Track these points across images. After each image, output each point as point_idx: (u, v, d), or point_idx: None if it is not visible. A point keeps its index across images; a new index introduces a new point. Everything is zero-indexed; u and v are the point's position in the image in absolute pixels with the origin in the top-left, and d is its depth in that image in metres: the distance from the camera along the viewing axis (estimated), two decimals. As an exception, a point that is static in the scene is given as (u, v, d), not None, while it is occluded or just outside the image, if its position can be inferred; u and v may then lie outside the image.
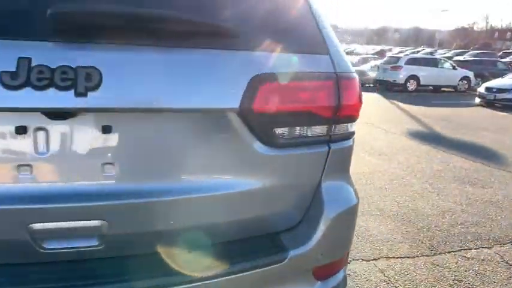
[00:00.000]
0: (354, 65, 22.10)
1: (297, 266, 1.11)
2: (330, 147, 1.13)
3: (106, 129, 0.91)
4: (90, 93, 0.84)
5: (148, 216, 0.98)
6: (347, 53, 1.95)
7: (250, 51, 1.02)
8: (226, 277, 0.99)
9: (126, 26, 0.87)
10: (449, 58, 20.42)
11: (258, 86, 0.99)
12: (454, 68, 15.53)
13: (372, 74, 16.00)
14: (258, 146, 1.03)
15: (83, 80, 0.83)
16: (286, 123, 1.05)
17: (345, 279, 1.28)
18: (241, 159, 1.03)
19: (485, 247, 2.62)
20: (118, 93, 0.88)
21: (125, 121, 0.93)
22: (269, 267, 1.05)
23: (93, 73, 0.84)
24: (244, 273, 1.02)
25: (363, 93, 1.20)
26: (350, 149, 1.21)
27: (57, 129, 0.89)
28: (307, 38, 1.13)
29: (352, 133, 1.21)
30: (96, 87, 0.84)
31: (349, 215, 1.21)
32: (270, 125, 1.03)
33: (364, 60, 19.19)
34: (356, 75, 1.18)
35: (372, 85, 15.84)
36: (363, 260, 2.37)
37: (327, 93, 1.08)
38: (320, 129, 1.11)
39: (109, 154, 0.94)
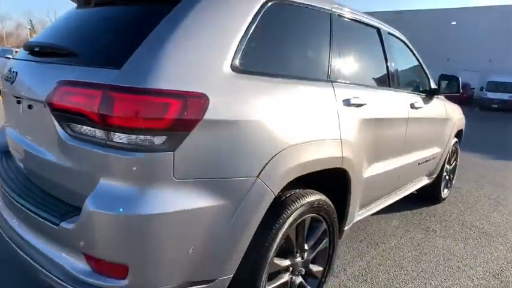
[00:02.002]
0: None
1: (66, 238, 1.25)
2: (108, 152, 1.18)
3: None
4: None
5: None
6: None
7: (62, 64, 1.39)
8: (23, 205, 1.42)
9: None
10: None
11: (59, 88, 1.24)
12: None
13: None
14: (61, 131, 1.28)
15: None
16: (70, 119, 1.24)
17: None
18: (54, 136, 1.30)
19: None
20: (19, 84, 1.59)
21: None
22: (42, 220, 1.29)
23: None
24: (27, 211, 1.36)
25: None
26: (146, 163, 1.17)
27: None
28: (113, 54, 1.27)
29: (154, 146, 1.17)
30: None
31: (118, 220, 1.16)
32: (63, 116, 1.26)
33: None
34: (154, 91, 1.16)
35: None
36: None
37: (95, 100, 1.15)
38: (93, 132, 1.20)
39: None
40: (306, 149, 1.56)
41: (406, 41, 3.03)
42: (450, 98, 4.03)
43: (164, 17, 1.29)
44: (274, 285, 1.66)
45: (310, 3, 1.82)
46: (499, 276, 2.61)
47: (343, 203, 2.02)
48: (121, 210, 1.15)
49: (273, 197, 1.43)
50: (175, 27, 1.26)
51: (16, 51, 15.29)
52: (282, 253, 1.68)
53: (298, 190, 1.68)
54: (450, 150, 3.94)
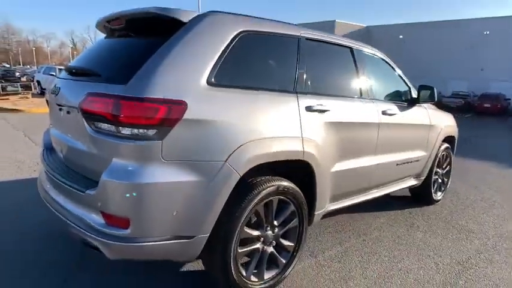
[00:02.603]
0: None
1: (89, 201, 1.79)
2: (117, 141, 1.72)
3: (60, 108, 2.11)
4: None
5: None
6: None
7: (89, 82, 1.97)
8: (62, 182, 1.97)
9: None
10: None
11: (86, 98, 1.82)
12: None
13: None
14: (88, 128, 1.84)
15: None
16: (94, 119, 1.80)
17: (128, 239, 1.73)
18: (84, 131, 1.86)
19: None
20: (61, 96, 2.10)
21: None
22: (74, 190, 1.87)
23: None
24: (65, 185, 1.95)
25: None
26: (142, 148, 1.70)
27: None
28: (123, 74, 1.80)
29: (148, 136, 1.70)
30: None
31: (148, 190, 1.69)
32: (89, 117, 1.82)
33: None
34: (142, 98, 1.69)
35: None
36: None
37: (109, 105, 1.70)
38: (108, 127, 1.74)
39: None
40: (266, 143, 2.04)
41: (385, 58, 3.44)
42: (450, 109, 4.31)
43: (158, 49, 1.84)
44: (246, 249, 2.13)
45: (279, 32, 2.33)
46: (464, 263, 2.92)
47: (311, 191, 2.46)
48: (125, 179, 1.69)
49: (239, 177, 1.92)
50: (165, 56, 1.80)
51: (59, 69, 16.84)
52: (253, 225, 2.16)
53: (267, 176, 2.16)
54: (441, 155, 4.24)
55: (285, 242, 2.37)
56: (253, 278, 2.20)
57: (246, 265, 2.19)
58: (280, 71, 2.33)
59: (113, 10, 2.22)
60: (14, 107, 12.33)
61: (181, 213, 1.80)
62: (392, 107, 3.20)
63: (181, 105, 1.74)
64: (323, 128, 2.44)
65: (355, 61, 2.92)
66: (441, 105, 24.57)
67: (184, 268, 2.58)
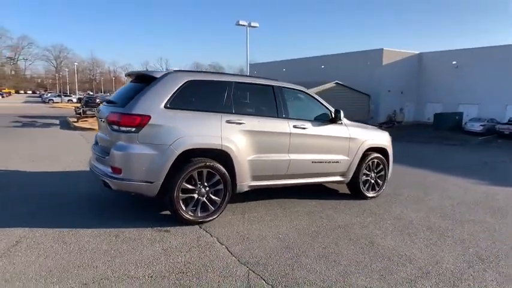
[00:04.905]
0: None
1: (106, 162, 3.85)
2: (119, 133, 3.76)
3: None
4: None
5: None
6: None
7: (112, 106, 4.11)
8: (99, 155, 4.05)
9: None
10: None
11: (109, 114, 3.92)
12: None
13: None
14: (109, 128, 3.93)
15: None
16: (111, 123, 3.86)
17: (121, 179, 3.71)
18: (108, 130, 3.96)
19: None
20: (101, 113, 4.27)
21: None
22: (102, 157, 3.95)
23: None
24: (99, 156, 4.05)
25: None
26: (129, 136, 3.70)
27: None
28: (124, 102, 3.90)
29: (132, 131, 3.70)
30: None
31: (130, 155, 3.68)
32: (109, 123, 3.89)
33: None
34: (129, 114, 3.72)
35: None
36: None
37: (116, 117, 3.76)
38: (116, 127, 3.80)
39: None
40: (194, 137, 3.92)
41: (309, 92, 5.14)
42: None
43: (142, 89, 3.86)
44: (185, 195, 3.98)
45: (215, 79, 4.27)
46: (342, 226, 4.40)
47: (232, 169, 4.25)
48: (121, 150, 3.72)
49: (177, 154, 3.81)
50: (143, 94, 3.82)
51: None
52: (190, 183, 4.02)
53: (201, 158, 4.03)
54: (371, 162, 5.66)
55: (214, 197, 4.18)
56: (190, 213, 4.05)
57: (186, 205, 4.04)
58: (213, 101, 4.24)
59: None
60: (90, 127, 15.65)
61: (147, 169, 3.76)
62: (305, 123, 4.87)
63: (148, 117, 3.74)
64: (239, 133, 4.24)
65: (274, 94, 4.70)
66: (494, 133, 23.67)
67: (162, 212, 4.50)
